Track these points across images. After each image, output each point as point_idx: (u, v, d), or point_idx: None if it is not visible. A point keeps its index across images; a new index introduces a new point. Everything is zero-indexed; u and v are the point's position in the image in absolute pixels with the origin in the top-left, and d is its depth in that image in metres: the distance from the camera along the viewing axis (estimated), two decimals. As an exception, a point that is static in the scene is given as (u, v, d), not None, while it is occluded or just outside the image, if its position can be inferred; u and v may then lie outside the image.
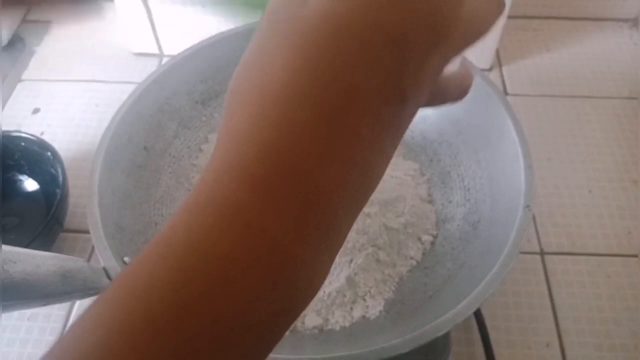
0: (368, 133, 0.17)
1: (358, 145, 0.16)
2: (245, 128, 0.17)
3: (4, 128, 0.52)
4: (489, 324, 0.44)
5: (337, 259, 0.40)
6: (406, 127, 0.19)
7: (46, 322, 0.46)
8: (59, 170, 0.49)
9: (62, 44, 0.69)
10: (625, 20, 0.68)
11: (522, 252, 0.48)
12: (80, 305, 0.47)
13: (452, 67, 0.23)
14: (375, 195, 0.42)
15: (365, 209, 0.41)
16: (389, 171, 0.45)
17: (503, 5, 0.20)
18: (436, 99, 0.22)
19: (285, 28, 0.17)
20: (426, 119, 0.48)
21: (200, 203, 0.17)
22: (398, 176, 0.46)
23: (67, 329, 0.15)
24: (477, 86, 0.44)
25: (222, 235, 0.16)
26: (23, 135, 0.52)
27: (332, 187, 0.16)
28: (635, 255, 0.49)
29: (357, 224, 0.41)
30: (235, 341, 0.15)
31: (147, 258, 0.16)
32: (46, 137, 0.53)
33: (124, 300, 0.15)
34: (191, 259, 0.15)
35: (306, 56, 0.16)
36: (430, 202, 0.46)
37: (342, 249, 0.39)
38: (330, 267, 0.18)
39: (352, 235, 0.40)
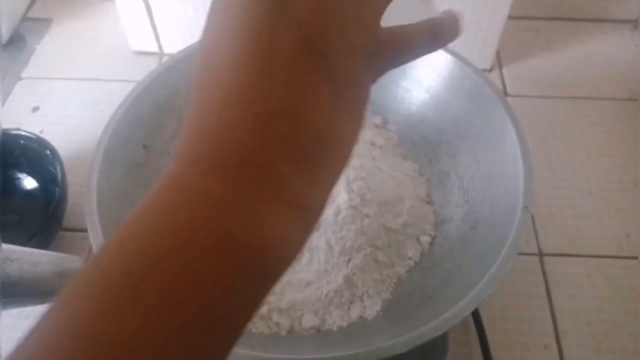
0: (288, 92, 0.17)
1: (285, 101, 0.17)
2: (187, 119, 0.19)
3: (4, 126, 0.52)
4: (487, 325, 0.44)
5: (334, 259, 0.40)
6: (360, 83, 0.19)
7: (44, 320, 0.46)
8: (58, 168, 0.49)
9: (62, 42, 0.69)
10: (626, 22, 0.68)
11: (520, 254, 0.48)
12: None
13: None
14: (374, 195, 0.42)
15: (364, 209, 0.41)
16: (388, 171, 0.45)
17: None
18: (399, 51, 0.21)
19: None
20: (425, 118, 0.48)
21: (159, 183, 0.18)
22: (397, 176, 0.46)
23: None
24: (477, 86, 0.44)
25: (165, 206, 0.17)
26: (22, 133, 0.52)
27: (267, 143, 0.17)
28: (635, 257, 0.49)
29: (356, 224, 0.40)
30: (212, 303, 0.16)
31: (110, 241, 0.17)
32: (46, 136, 0.53)
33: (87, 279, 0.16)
34: (141, 229, 0.17)
35: (218, 31, 0.18)
36: (429, 202, 0.46)
37: (339, 249, 0.40)
38: (298, 234, 0.18)
39: (350, 235, 0.40)
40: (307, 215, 0.18)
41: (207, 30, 0.19)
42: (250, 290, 0.17)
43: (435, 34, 0.22)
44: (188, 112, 0.18)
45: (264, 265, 0.17)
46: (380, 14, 0.20)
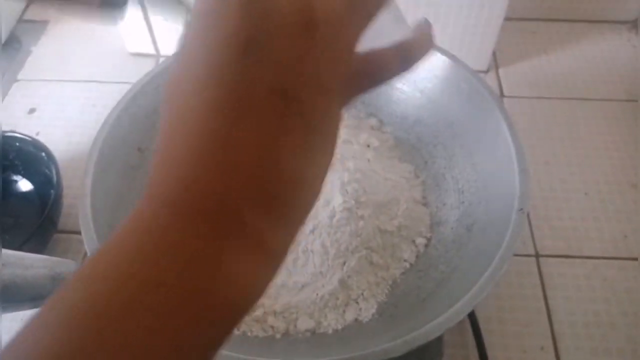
0: (258, 141, 0.17)
1: (255, 150, 0.17)
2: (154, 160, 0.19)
3: (-1, 128, 0.52)
4: (483, 327, 0.43)
5: (329, 262, 0.40)
6: (333, 119, 0.19)
7: (39, 324, 0.46)
8: (53, 170, 0.49)
9: (58, 44, 0.68)
10: (623, 23, 0.68)
11: (517, 255, 0.48)
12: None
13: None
14: (369, 198, 0.42)
15: (359, 212, 0.41)
16: (383, 173, 0.45)
17: None
18: (372, 77, 0.21)
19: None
20: (421, 120, 0.48)
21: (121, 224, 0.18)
22: (392, 178, 0.45)
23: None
24: (473, 88, 0.44)
25: (128, 243, 0.17)
26: (18, 135, 0.52)
27: (234, 191, 0.17)
28: (633, 259, 0.49)
29: (350, 226, 0.40)
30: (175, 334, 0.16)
31: (76, 277, 0.17)
32: (42, 138, 0.53)
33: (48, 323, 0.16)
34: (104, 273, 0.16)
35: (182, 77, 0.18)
36: (425, 204, 0.46)
37: (334, 251, 0.40)
38: (264, 274, 0.18)
39: (345, 237, 0.40)
40: (274, 257, 0.18)
41: (175, 68, 0.18)
42: (215, 329, 0.17)
43: (407, 56, 0.22)
44: (156, 152, 0.18)
45: (231, 307, 0.17)
46: (354, 45, 0.19)
